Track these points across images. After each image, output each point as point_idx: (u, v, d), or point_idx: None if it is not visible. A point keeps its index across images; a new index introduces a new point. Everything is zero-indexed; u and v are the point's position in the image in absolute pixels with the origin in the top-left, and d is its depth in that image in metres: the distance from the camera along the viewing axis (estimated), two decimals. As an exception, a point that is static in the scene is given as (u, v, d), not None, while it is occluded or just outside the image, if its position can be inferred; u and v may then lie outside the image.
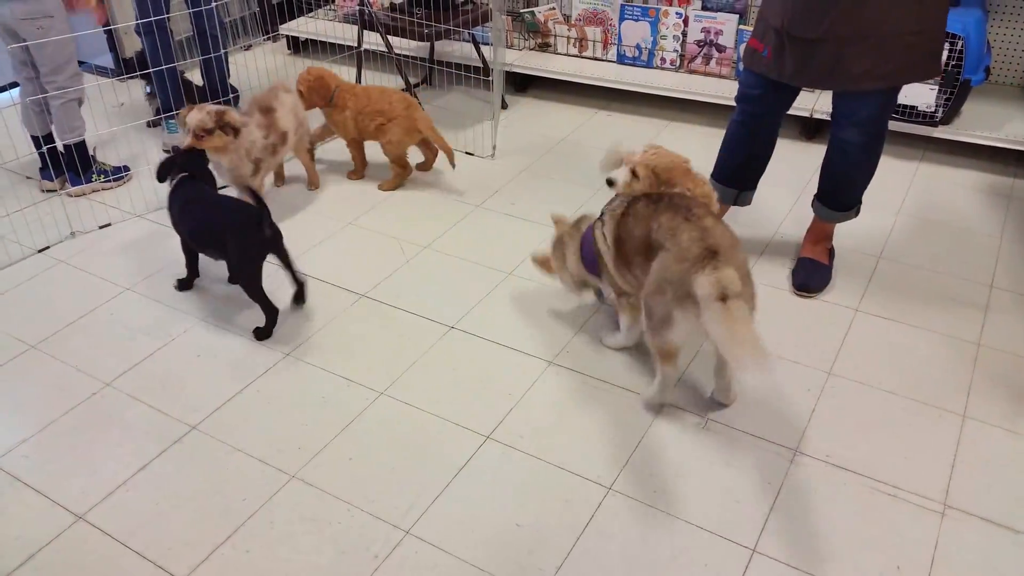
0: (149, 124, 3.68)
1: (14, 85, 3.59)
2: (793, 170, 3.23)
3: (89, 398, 2.20)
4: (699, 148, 3.45)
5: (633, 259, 2.07)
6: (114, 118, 3.73)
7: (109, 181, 3.21)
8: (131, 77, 3.67)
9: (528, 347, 2.36)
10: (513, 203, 3.10)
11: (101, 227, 2.97)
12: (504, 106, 3.88)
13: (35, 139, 3.09)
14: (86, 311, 2.54)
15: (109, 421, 2.13)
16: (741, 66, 3.55)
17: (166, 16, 3.28)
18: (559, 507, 1.88)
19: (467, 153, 3.46)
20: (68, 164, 3.12)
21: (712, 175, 2.69)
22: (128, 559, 1.78)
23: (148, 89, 3.77)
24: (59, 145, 3.08)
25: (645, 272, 2.01)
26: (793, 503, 1.89)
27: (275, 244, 2.39)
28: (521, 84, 4.05)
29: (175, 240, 2.56)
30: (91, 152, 3.18)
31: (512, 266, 2.72)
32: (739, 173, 2.65)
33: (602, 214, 2.22)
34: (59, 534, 1.83)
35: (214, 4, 3.37)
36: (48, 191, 3.17)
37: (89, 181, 3.17)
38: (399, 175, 3.19)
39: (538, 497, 1.91)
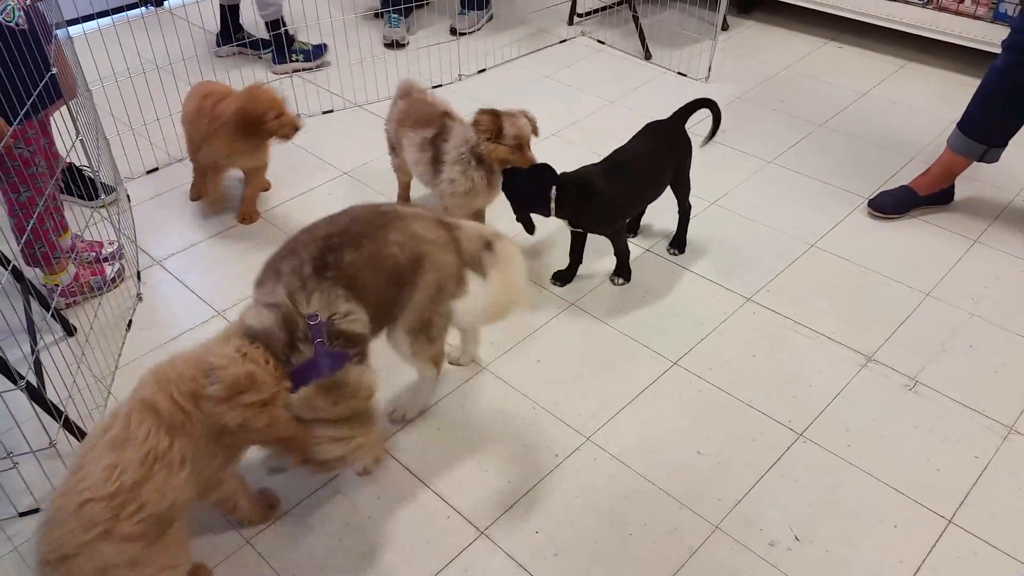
0: (376, 15, 3.79)
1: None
2: (1046, 128, 2.89)
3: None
4: (937, 95, 3.19)
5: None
6: (335, 8, 3.89)
7: (309, 61, 3.37)
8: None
9: (725, 280, 2.31)
10: (723, 131, 2.98)
11: (324, 112, 3.14)
12: (725, 27, 3.70)
13: (223, 7, 3.34)
14: (307, 188, 2.71)
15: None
16: (1012, 9, 3.18)
17: None
18: (744, 444, 1.85)
19: (680, 73, 3.34)
20: (273, 42, 3.32)
21: (959, 125, 2.45)
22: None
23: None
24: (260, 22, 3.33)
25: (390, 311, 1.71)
26: (1000, 481, 1.76)
27: None
28: (745, 5, 3.84)
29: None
30: (291, 32, 3.34)
31: (716, 195, 2.65)
32: (991, 127, 2.40)
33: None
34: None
35: None
36: (219, 56, 3.44)
37: (288, 60, 3.35)
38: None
39: (722, 430, 1.89)
